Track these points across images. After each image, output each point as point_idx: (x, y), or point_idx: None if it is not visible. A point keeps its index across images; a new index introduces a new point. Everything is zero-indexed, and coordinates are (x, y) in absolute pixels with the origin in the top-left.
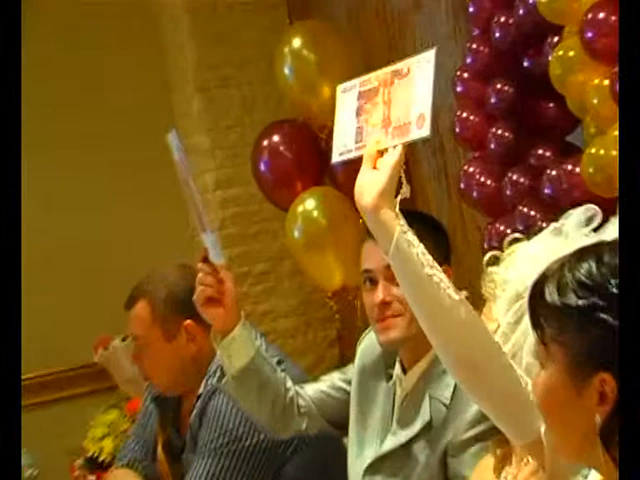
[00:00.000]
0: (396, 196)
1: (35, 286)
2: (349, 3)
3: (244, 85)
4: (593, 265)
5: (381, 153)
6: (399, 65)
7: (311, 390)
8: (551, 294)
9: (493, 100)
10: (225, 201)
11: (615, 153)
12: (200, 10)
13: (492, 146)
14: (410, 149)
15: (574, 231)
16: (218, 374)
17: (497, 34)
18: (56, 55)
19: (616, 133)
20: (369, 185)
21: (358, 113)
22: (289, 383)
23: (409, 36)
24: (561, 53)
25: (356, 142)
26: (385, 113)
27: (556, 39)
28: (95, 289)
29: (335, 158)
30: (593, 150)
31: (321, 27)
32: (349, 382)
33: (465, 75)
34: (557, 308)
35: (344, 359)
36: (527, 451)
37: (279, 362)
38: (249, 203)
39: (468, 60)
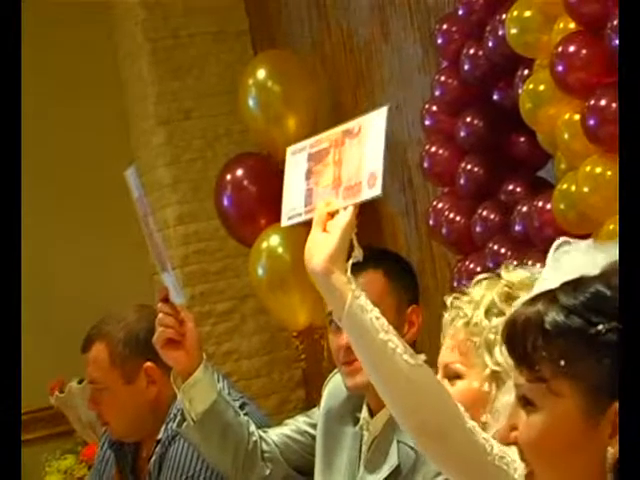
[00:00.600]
0: (348, 259)
1: None
2: (314, 33)
3: (206, 117)
4: (600, 288)
5: (332, 215)
6: (350, 124)
7: (275, 435)
8: (556, 321)
9: (462, 134)
10: (187, 237)
11: (587, 190)
12: (160, 39)
13: (462, 181)
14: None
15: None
16: (178, 418)
17: (466, 66)
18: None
19: (588, 169)
20: (319, 248)
21: (308, 175)
22: (252, 427)
23: (376, 67)
24: (531, 87)
25: (305, 205)
26: (336, 174)
27: (526, 72)
28: (50, 329)
29: (284, 222)
30: (564, 186)
31: (286, 57)
32: (314, 426)
33: (434, 108)
34: (567, 335)
35: (310, 401)
36: None
37: (242, 405)
38: (212, 239)
39: (437, 93)
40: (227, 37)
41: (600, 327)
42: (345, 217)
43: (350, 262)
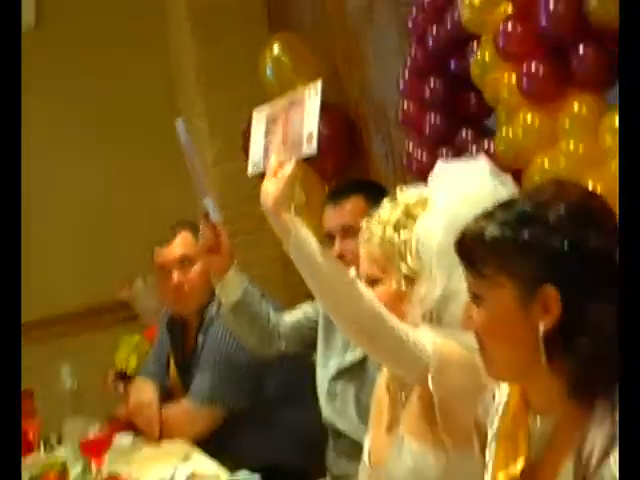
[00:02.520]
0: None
1: (74, 239)
2: (315, 18)
3: (234, 83)
4: (525, 206)
5: (281, 165)
6: (295, 94)
7: (288, 319)
8: (494, 234)
9: (427, 94)
10: (222, 174)
11: (520, 134)
12: (200, 22)
13: (426, 130)
14: (366, 137)
15: None
16: (216, 306)
17: (430, 42)
18: (73, 48)
19: (521, 118)
20: (270, 192)
21: (266, 134)
22: (272, 314)
23: (363, 45)
24: (479, 57)
25: (263, 158)
26: (284, 133)
27: (476, 46)
28: (122, 242)
29: (250, 171)
30: (504, 132)
31: (294, 37)
32: (317, 311)
33: (406, 75)
34: (502, 243)
35: (313, 296)
36: (417, 382)
37: (262, 296)
38: (240, 176)
39: (409, 63)
40: (250, 22)
41: (526, 235)
42: (289, 169)
43: (294, 203)
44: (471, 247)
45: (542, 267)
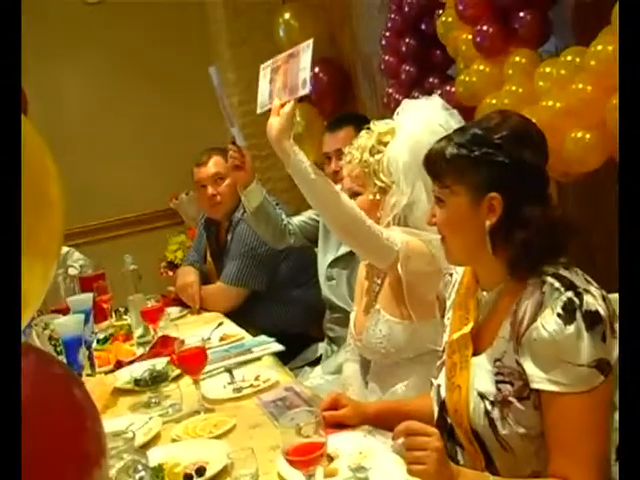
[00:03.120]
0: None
1: (134, 160)
2: None
3: (255, 43)
4: (476, 131)
5: (282, 105)
6: (292, 50)
7: (296, 220)
8: (452, 152)
9: (403, 49)
10: (245, 113)
11: (475, 79)
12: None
13: (402, 77)
14: (356, 82)
15: None
16: (241, 211)
17: (406, 8)
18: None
19: (475, 67)
20: (274, 127)
21: (270, 82)
22: (283, 216)
23: (354, 11)
24: (443, 19)
25: (269, 99)
26: (284, 80)
27: (441, 11)
28: (167, 165)
29: (258, 110)
30: (462, 77)
31: (301, 5)
32: (318, 215)
33: (387, 34)
34: (458, 160)
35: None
36: (388, 270)
37: (276, 204)
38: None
39: (389, 25)
40: None
41: (477, 153)
42: (288, 107)
43: (292, 132)
44: (435, 163)
45: (489, 178)
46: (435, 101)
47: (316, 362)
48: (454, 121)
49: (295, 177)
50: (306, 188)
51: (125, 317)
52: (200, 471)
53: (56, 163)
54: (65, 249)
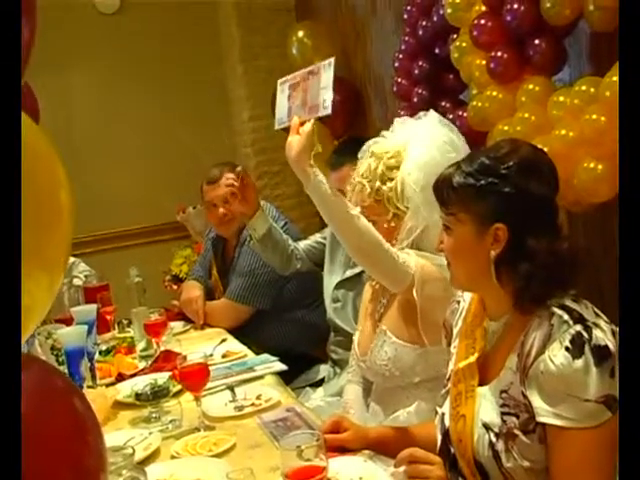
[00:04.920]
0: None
1: (142, 173)
2: (331, 10)
3: (268, 59)
4: (484, 160)
5: (302, 124)
6: (312, 67)
7: (303, 245)
8: (459, 181)
9: (416, 72)
10: (254, 128)
11: (487, 105)
12: (242, 15)
13: (415, 100)
14: (368, 103)
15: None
16: (248, 236)
17: (420, 32)
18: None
19: (487, 93)
20: (293, 145)
21: (289, 98)
22: (290, 241)
23: (367, 32)
24: (458, 44)
25: (287, 116)
26: (304, 98)
27: (455, 36)
28: (174, 177)
29: (276, 127)
30: (474, 103)
31: (314, 25)
32: (324, 238)
33: (400, 56)
34: (465, 188)
35: (324, 225)
36: (400, 292)
37: (285, 224)
38: (270, 130)
39: (402, 47)
40: (281, 12)
41: (483, 182)
42: (308, 126)
43: (312, 153)
44: (442, 190)
45: (495, 208)
46: (431, 117)
47: (319, 384)
48: (454, 134)
49: (314, 198)
50: (325, 209)
51: (128, 329)
52: None
53: (66, 171)
54: (71, 259)
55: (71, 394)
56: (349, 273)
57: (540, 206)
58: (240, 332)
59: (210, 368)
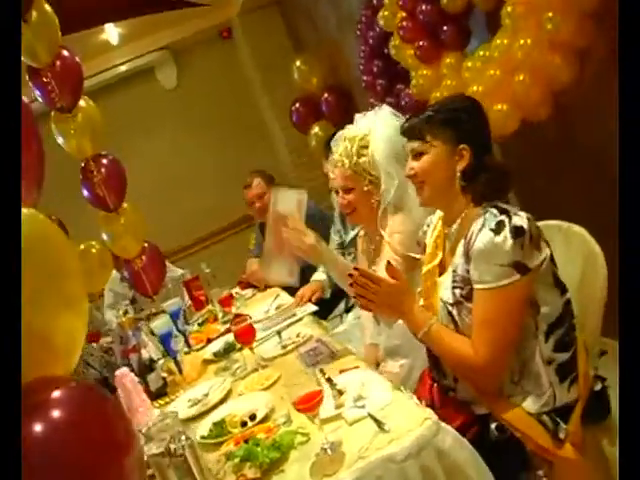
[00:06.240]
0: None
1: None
2: (318, 40)
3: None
4: (445, 102)
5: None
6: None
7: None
8: (430, 116)
9: (375, 70)
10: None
11: (422, 81)
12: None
13: (378, 89)
14: (355, 99)
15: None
16: None
17: (370, 41)
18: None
19: (420, 72)
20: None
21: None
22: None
23: (345, 49)
24: (393, 43)
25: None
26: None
27: (392, 38)
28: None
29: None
30: (413, 82)
31: (308, 55)
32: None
33: (362, 61)
34: (435, 121)
35: None
36: None
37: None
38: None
39: (361, 54)
40: (282, 48)
41: (448, 115)
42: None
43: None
44: (415, 127)
45: (459, 133)
46: (385, 109)
47: (350, 309)
48: (402, 119)
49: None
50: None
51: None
52: (252, 417)
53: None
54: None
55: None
56: (349, 237)
57: (488, 132)
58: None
59: (266, 320)
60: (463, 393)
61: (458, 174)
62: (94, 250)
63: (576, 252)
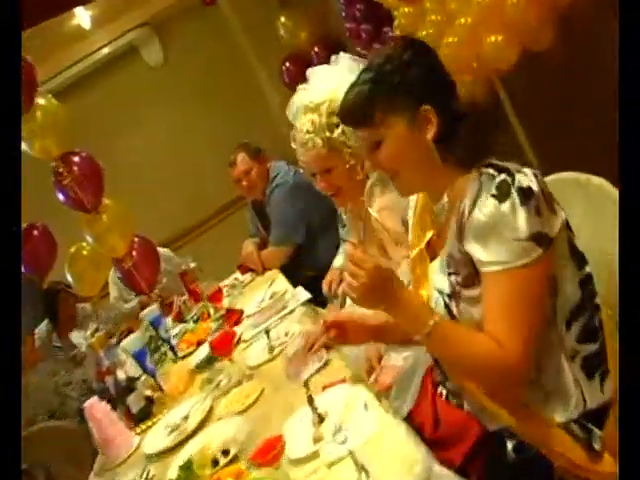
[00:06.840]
0: None
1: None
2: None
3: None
4: (379, 62)
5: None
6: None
7: None
8: (372, 90)
9: (357, 14)
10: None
11: (403, 20)
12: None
13: (363, 35)
14: (344, 47)
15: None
16: (272, 184)
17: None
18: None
19: (401, 10)
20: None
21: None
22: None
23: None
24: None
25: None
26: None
27: None
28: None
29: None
30: (396, 23)
31: (293, 10)
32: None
33: (343, 6)
34: (381, 93)
35: None
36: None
37: (295, 172)
38: None
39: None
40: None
41: (394, 78)
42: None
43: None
44: (357, 111)
45: (415, 93)
46: (344, 59)
47: None
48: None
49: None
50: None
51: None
52: (225, 452)
53: None
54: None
55: None
56: None
57: (444, 72)
58: (289, 266)
59: (257, 315)
60: (471, 399)
61: (431, 144)
62: (85, 252)
63: (597, 212)
